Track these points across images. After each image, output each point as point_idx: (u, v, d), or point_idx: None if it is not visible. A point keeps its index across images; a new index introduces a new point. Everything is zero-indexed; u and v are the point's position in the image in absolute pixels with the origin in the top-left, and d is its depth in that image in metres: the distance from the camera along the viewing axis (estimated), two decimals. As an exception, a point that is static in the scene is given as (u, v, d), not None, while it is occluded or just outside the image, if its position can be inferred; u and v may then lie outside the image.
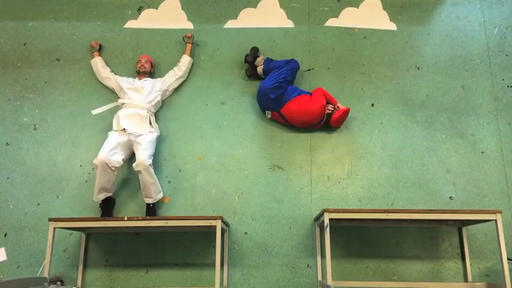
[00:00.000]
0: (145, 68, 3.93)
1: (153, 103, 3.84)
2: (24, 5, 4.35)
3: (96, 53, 4.10)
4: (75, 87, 4.10)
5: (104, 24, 4.28)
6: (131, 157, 3.75)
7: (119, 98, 3.89)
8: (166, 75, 4.00)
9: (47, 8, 4.35)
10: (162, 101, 4.00)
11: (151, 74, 4.03)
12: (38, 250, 3.65)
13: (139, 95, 3.77)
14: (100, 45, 4.14)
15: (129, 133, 3.62)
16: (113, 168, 3.48)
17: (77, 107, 4.04)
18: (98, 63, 4.04)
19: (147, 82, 3.87)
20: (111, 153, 3.49)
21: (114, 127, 3.68)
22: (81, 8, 4.34)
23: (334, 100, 3.90)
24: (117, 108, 3.89)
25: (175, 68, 4.02)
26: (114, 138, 3.59)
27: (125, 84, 3.85)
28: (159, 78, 3.99)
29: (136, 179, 3.68)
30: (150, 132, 3.70)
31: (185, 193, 3.78)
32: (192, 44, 4.09)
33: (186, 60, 4.02)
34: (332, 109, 3.83)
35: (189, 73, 4.09)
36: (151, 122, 3.78)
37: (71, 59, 4.19)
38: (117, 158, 3.52)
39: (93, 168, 3.82)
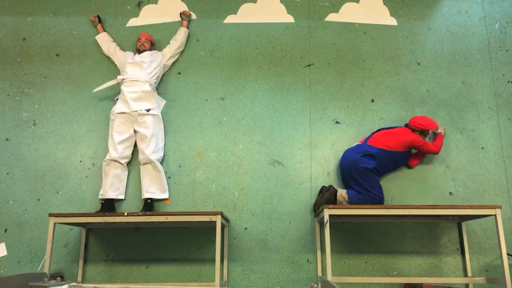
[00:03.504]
0: (145, 46, 3.97)
1: (154, 77, 3.89)
2: (23, 0, 4.34)
3: (99, 26, 4.14)
4: (74, 82, 4.09)
5: (103, 19, 4.26)
6: (134, 153, 3.78)
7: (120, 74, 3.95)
8: (165, 49, 4.04)
9: (46, 3, 4.33)
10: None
11: None
12: (38, 245, 3.66)
13: (140, 70, 3.81)
14: (98, 17, 4.16)
15: (137, 113, 3.71)
16: (125, 164, 3.68)
17: (76, 103, 4.03)
18: (102, 39, 4.10)
19: (146, 56, 3.89)
20: (121, 149, 3.65)
21: (122, 109, 3.72)
22: (81, 3, 4.32)
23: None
24: (118, 85, 3.92)
25: (171, 41, 4.07)
26: (117, 134, 3.67)
27: (127, 58, 3.91)
28: (157, 52, 4.02)
29: (137, 176, 3.69)
30: (152, 114, 3.74)
31: (185, 188, 3.79)
32: (189, 22, 4.16)
33: (181, 32, 4.09)
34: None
35: (188, 68, 4.08)
36: (154, 96, 3.85)
37: (71, 54, 4.18)
38: (127, 154, 3.70)
39: (93, 163, 3.83)
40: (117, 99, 3.83)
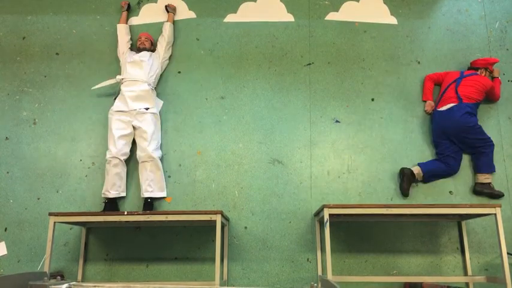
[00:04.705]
0: (145, 45, 3.98)
1: (153, 77, 3.90)
2: (22, -2, 4.34)
3: (124, 14, 4.16)
4: (74, 81, 4.09)
5: (103, 18, 4.26)
6: (132, 151, 3.77)
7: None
8: (157, 49, 4.05)
9: (46, 2, 4.33)
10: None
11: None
12: (38, 244, 3.66)
13: (140, 70, 3.81)
14: (129, 4, 4.20)
15: (136, 111, 3.71)
16: (123, 161, 3.65)
17: (76, 101, 4.03)
18: (121, 32, 4.08)
19: (146, 55, 3.89)
20: (121, 146, 3.63)
21: (120, 107, 3.73)
22: (80, 2, 4.32)
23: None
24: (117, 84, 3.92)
25: (159, 39, 4.07)
26: (117, 130, 3.65)
27: (127, 58, 3.91)
28: (155, 53, 4.02)
29: (137, 174, 3.69)
30: (152, 112, 3.75)
31: (185, 188, 3.79)
32: (174, 14, 4.19)
33: (166, 26, 4.09)
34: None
35: (188, 67, 4.08)
36: (153, 96, 3.87)
37: (70, 53, 4.17)
38: (126, 150, 3.69)
39: (93, 162, 3.83)
40: (116, 98, 3.83)
